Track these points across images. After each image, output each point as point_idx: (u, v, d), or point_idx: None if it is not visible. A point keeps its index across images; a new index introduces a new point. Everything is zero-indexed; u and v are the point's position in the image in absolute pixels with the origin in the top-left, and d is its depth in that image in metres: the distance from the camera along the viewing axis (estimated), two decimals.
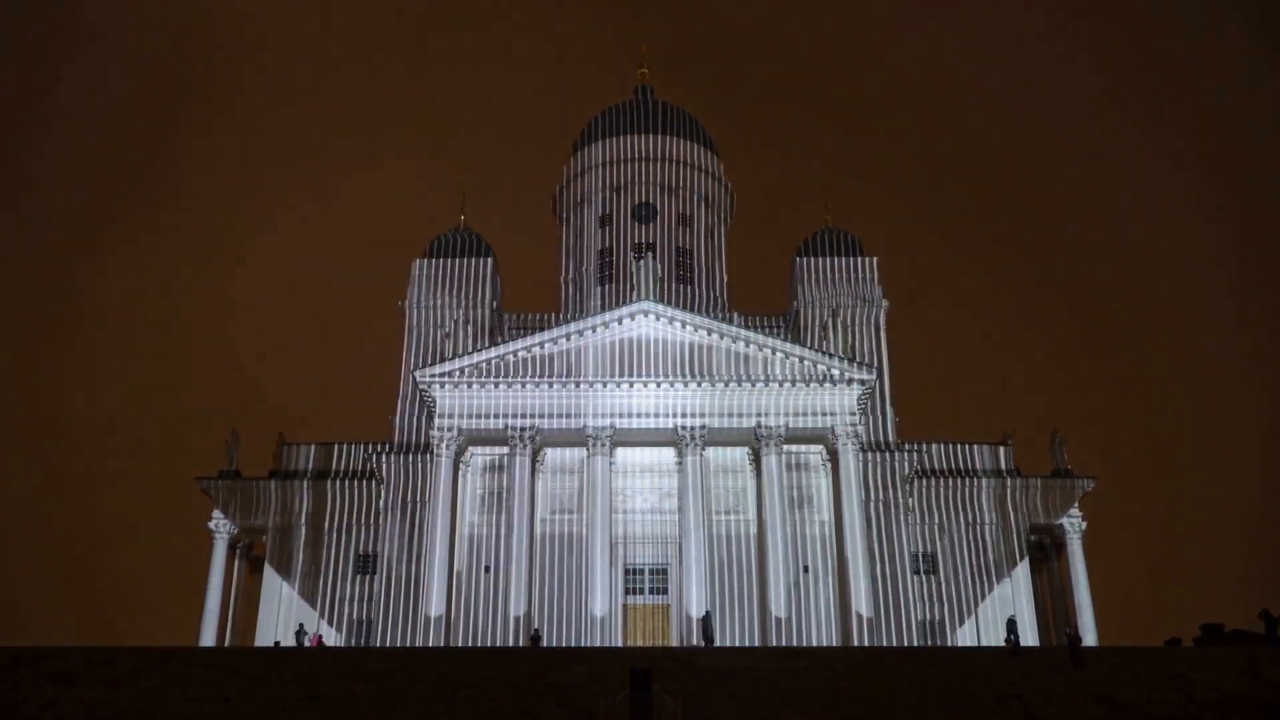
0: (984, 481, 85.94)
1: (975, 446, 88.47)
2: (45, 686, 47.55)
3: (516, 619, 69.10)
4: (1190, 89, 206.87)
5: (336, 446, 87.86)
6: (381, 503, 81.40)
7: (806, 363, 74.69)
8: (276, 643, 73.19)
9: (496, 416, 74.10)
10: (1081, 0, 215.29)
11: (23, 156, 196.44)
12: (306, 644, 69.37)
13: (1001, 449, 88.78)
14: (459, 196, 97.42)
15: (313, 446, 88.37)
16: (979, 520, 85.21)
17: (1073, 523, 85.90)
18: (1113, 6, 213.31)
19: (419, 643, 70.51)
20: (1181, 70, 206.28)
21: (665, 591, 75.55)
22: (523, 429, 73.69)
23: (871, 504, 77.77)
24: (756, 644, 70.80)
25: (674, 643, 70.86)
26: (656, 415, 74.01)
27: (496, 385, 74.09)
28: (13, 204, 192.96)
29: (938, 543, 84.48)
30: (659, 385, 73.90)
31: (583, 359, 74.90)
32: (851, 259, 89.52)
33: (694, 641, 67.45)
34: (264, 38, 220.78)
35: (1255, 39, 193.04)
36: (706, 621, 64.86)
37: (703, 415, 73.74)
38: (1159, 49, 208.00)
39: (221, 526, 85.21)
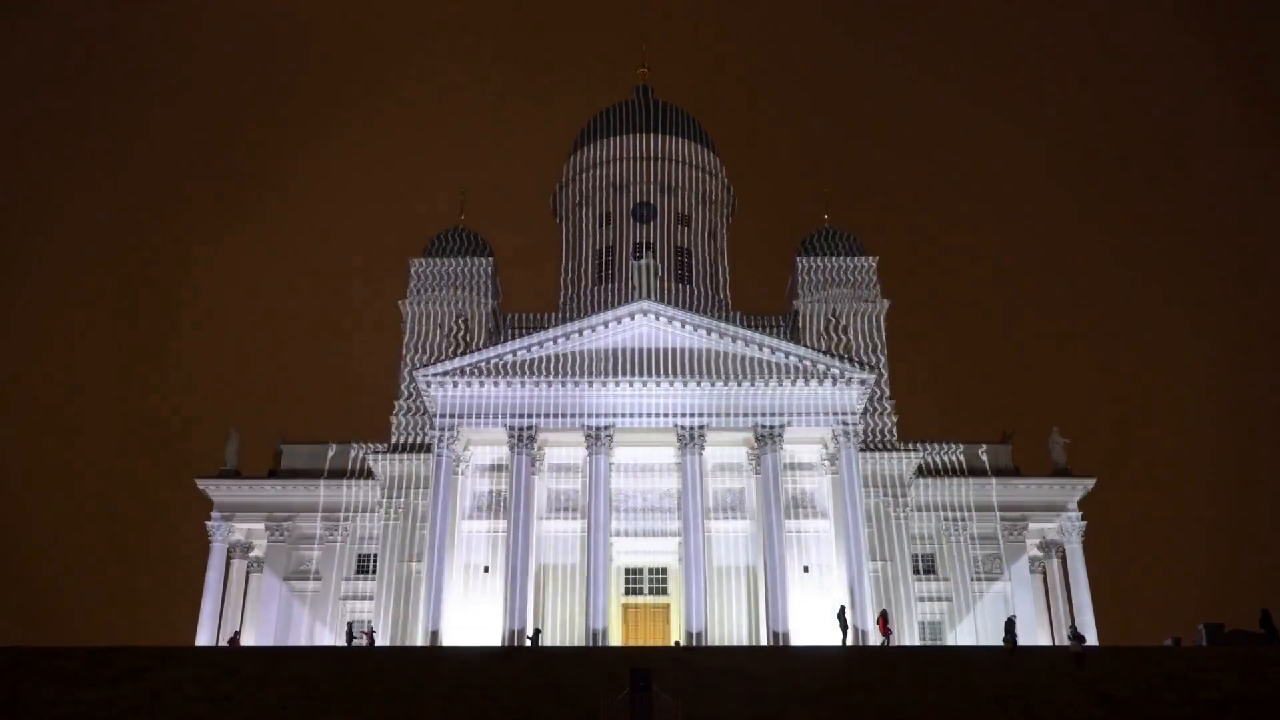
0: (984, 481, 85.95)
1: (975, 446, 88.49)
2: (45, 686, 47.53)
3: (515, 619, 68.95)
4: (1176, 85, 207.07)
5: (336, 446, 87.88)
6: (380, 502, 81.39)
7: (806, 362, 74.56)
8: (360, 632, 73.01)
9: (496, 416, 73.97)
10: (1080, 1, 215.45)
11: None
12: (358, 641, 69.73)
13: (1001, 448, 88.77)
14: (459, 196, 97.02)
15: (312, 446, 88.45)
16: (979, 520, 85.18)
17: (1073, 523, 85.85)
18: (1111, 8, 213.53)
19: (418, 643, 70.46)
20: (1170, 66, 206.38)
21: (665, 591, 75.51)
22: (522, 428, 73.59)
23: (871, 504, 77.70)
24: (756, 644, 70.75)
25: (674, 643, 70.81)
26: (656, 415, 73.89)
27: (496, 384, 73.98)
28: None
29: (938, 543, 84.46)
30: (658, 385, 73.77)
31: (582, 358, 74.78)
32: (851, 259, 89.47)
33: (695, 641, 67.47)
34: (262, 37, 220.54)
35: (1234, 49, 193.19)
36: (843, 614, 65.66)
37: (702, 415, 73.62)
38: (1155, 47, 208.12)
39: (220, 526, 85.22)
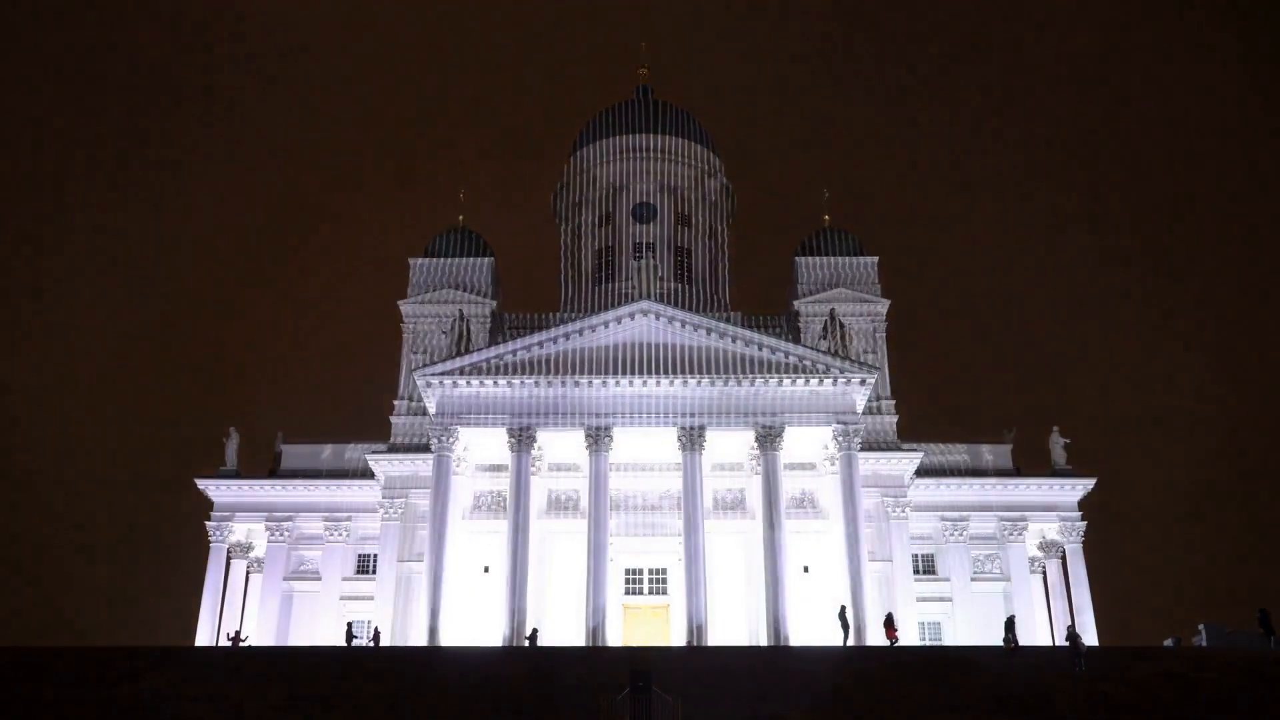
0: (984, 480, 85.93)
1: (975, 446, 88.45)
2: (45, 686, 47.52)
3: (515, 619, 68.92)
4: (1176, 85, 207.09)
5: (335, 446, 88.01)
6: (380, 502, 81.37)
7: (807, 362, 74.49)
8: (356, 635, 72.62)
9: (496, 415, 73.91)
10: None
11: None
12: (360, 641, 69.75)
13: (1001, 449, 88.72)
14: (459, 196, 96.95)
15: (312, 446, 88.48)
16: (979, 520, 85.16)
17: (1073, 523, 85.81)
18: (1110, 9, 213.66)
19: (418, 643, 70.42)
20: (1168, 66, 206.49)
21: (665, 592, 75.49)
22: (522, 428, 73.51)
23: (871, 504, 77.64)
24: (756, 644, 70.72)
25: (674, 643, 70.78)
26: (656, 415, 73.81)
27: (496, 384, 73.92)
28: None
29: (938, 543, 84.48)
30: (659, 384, 73.69)
31: (582, 358, 74.68)
32: (851, 259, 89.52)
33: (695, 641, 67.42)
34: (262, 36, 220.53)
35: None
36: (843, 614, 65.95)
37: (702, 415, 73.54)
38: (1155, 47, 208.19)
39: (220, 526, 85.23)
